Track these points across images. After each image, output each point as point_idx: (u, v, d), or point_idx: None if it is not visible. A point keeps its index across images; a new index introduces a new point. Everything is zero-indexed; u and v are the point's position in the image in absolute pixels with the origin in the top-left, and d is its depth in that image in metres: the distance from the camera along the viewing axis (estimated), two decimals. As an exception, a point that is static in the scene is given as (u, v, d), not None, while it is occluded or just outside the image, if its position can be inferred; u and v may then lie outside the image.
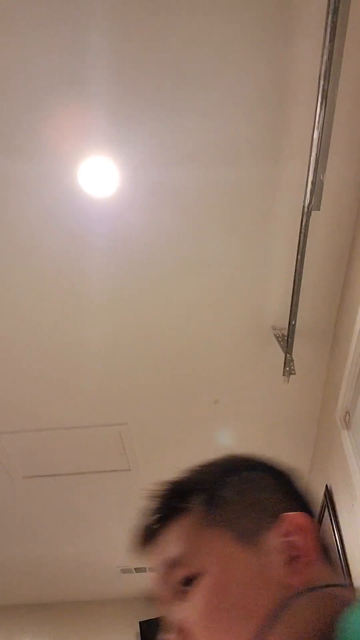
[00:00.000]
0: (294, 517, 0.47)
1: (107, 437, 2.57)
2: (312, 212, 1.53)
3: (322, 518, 2.27)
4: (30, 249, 1.75)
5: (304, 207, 1.51)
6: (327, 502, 2.27)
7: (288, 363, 2.01)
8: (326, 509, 2.26)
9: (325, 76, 1.26)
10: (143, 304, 1.95)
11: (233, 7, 1.27)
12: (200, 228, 1.73)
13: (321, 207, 1.52)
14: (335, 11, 1.19)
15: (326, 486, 2.31)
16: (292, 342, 1.95)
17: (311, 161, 1.39)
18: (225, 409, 2.45)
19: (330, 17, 1.19)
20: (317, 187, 1.44)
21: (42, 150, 1.50)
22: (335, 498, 2.20)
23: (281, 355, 2.03)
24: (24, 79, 1.36)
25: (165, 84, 1.39)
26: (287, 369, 2.01)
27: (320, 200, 1.50)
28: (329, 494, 2.27)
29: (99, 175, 1.56)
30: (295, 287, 1.76)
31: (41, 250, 1.75)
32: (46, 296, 1.89)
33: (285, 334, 1.97)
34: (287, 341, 1.97)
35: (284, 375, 2.03)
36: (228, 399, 2.41)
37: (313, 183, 1.42)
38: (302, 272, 1.70)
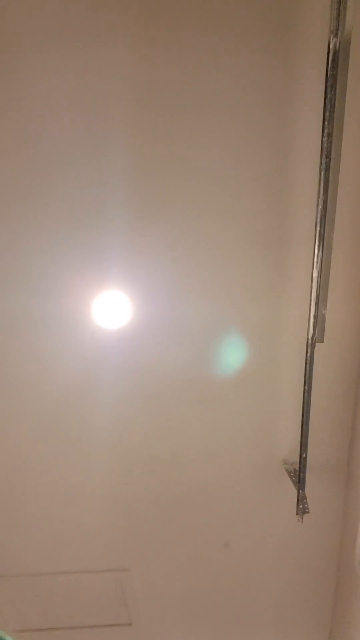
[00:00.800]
0: None
1: (106, 585, 2.35)
2: (317, 344, 1.57)
3: None
4: (41, 378, 1.77)
5: (307, 339, 1.55)
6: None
7: (301, 501, 1.90)
8: None
9: (321, 222, 1.39)
10: (150, 439, 1.91)
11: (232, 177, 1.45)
12: (209, 361, 1.76)
13: (325, 339, 1.56)
14: (327, 169, 1.34)
15: (352, 649, 2.04)
16: (304, 478, 1.87)
17: (312, 297, 1.46)
18: (237, 553, 2.27)
19: (322, 174, 1.34)
20: (319, 321, 1.50)
21: (58, 287, 1.60)
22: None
23: (294, 492, 1.93)
24: (45, 228, 1.51)
25: (176, 233, 1.53)
26: (301, 507, 1.90)
27: (323, 333, 1.54)
28: (355, 660, 1.99)
29: (111, 309, 1.65)
30: (304, 419, 1.73)
31: (51, 381, 1.77)
32: (51, 428, 1.87)
33: (297, 468, 1.89)
34: (299, 476, 1.88)
35: (297, 514, 1.91)
36: (239, 542, 2.23)
37: (315, 317, 1.48)
38: (310, 403, 1.69)
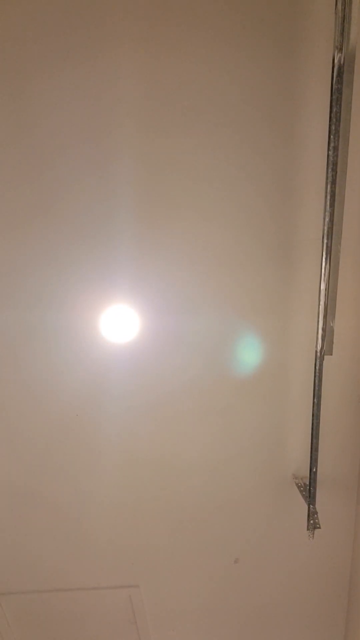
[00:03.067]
0: None
1: (115, 602, 2.32)
2: (325, 356, 1.56)
3: None
4: (50, 393, 1.77)
5: (316, 352, 1.54)
6: None
7: (312, 515, 1.87)
8: None
9: (327, 234, 1.39)
10: (159, 453, 1.90)
11: (237, 188, 1.45)
12: (217, 375, 1.75)
13: (333, 351, 1.55)
14: (333, 181, 1.34)
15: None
16: (314, 492, 1.84)
17: (320, 309, 1.45)
18: (246, 569, 2.23)
19: (329, 187, 1.34)
20: (327, 333, 1.49)
21: (67, 302, 1.60)
22: None
23: (304, 507, 1.90)
24: (51, 243, 1.52)
25: (182, 246, 1.53)
26: (311, 522, 1.87)
27: (332, 345, 1.53)
28: None
29: (119, 323, 1.65)
30: (314, 432, 1.72)
31: (60, 395, 1.77)
32: (58, 442, 1.87)
33: (307, 482, 1.87)
34: (309, 491, 1.86)
35: (308, 529, 1.88)
36: (249, 558, 2.20)
37: (323, 329, 1.47)
38: (319, 417, 1.67)
